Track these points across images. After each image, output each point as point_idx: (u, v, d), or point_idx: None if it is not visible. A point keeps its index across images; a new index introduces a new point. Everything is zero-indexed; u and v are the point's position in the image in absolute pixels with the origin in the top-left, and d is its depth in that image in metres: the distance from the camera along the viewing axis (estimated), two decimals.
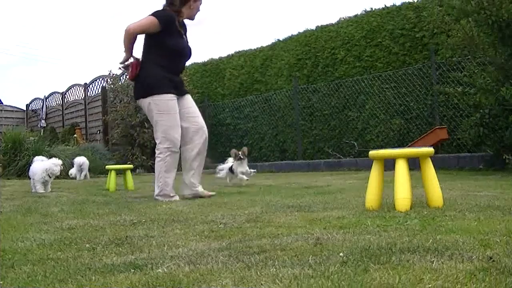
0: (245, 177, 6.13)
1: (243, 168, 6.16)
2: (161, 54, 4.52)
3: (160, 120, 4.49)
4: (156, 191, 4.47)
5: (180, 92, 4.65)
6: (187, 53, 4.74)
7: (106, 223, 2.91)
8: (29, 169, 6.15)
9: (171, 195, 4.46)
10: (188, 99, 4.75)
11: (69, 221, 3.06)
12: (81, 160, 9.03)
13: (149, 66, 4.53)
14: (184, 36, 4.66)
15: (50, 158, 6.37)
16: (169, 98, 4.51)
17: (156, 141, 4.56)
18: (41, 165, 5.75)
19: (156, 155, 4.56)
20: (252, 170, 6.32)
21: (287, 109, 11.45)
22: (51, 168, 5.69)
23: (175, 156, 4.53)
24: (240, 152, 6.16)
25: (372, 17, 9.93)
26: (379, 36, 9.71)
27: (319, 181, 6.22)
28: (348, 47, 10.29)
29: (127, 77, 5.07)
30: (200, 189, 4.60)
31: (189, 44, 4.76)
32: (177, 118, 4.52)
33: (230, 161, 6.43)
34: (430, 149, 3.10)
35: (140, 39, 4.60)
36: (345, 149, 10.26)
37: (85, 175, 9.08)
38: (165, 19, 4.47)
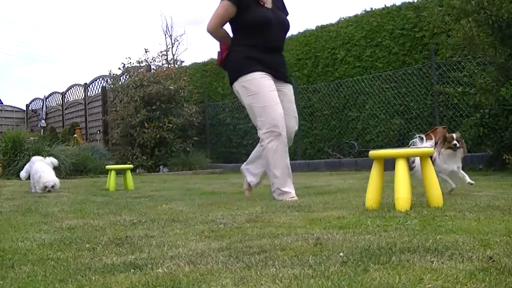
0: (453, 184, 3.76)
1: (454, 163, 3.71)
2: (243, 33, 4.08)
3: (253, 103, 3.94)
4: (272, 188, 4.00)
5: (275, 74, 4.05)
6: (275, 22, 4.06)
7: (106, 223, 2.91)
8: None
9: (286, 190, 3.92)
10: (287, 92, 4.16)
11: (69, 221, 3.06)
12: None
13: (232, 50, 4.12)
14: (266, 5, 4.07)
15: (49, 157, 6.37)
16: (259, 76, 3.94)
17: (257, 129, 3.99)
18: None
19: (259, 144, 4.02)
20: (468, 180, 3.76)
21: None
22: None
23: (280, 140, 3.88)
24: (455, 136, 3.70)
25: (372, 17, 9.93)
26: (379, 36, 9.71)
27: (319, 181, 6.22)
28: (348, 47, 10.29)
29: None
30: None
31: (281, 12, 4.17)
32: (273, 96, 3.93)
33: (418, 144, 3.98)
34: (430, 149, 3.10)
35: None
36: (345, 149, 10.26)
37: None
38: None
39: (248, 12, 4.03)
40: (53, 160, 6.11)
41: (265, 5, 4.09)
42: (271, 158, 3.93)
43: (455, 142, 3.65)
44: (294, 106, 4.23)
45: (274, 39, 4.10)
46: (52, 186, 5.62)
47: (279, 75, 4.11)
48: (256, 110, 3.96)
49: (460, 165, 3.73)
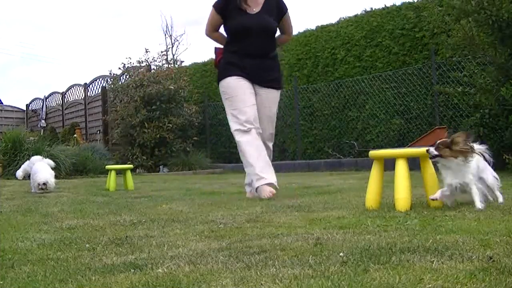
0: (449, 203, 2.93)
1: (450, 178, 2.86)
2: (229, 39, 4.31)
3: (227, 105, 4.20)
4: (252, 177, 4.07)
5: (254, 78, 4.19)
6: (256, 29, 4.16)
7: (106, 223, 2.91)
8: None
9: (263, 175, 3.96)
10: (263, 96, 4.23)
11: (69, 221, 3.06)
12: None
13: (223, 56, 4.35)
14: (252, 10, 4.19)
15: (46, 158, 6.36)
16: (233, 80, 4.16)
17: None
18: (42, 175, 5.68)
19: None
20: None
21: (287, 109, 11.45)
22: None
23: (251, 134, 4.04)
24: (437, 142, 2.90)
25: (372, 17, 9.94)
26: (379, 36, 9.71)
27: (319, 181, 6.21)
28: (348, 47, 10.29)
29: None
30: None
31: (269, 16, 4.21)
32: (245, 98, 4.11)
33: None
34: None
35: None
36: (345, 149, 10.26)
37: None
38: (217, 5, 4.26)
39: (230, 20, 4.23)
40: (49, 162, 6.07)
41: (250, 11, 4.19)
42: (243, 149, 4.06)
43: (428, 148, 2.94)
44: (272, 110, 4.31)
45: (254, 46, 4.19)
46: (44, 184, 5.53)
47: (259, 80, 4.22)
48: (228, 111, 4.19)
49: (462, 181, 2.82)
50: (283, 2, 4.37)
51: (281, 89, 4.46)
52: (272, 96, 4.31)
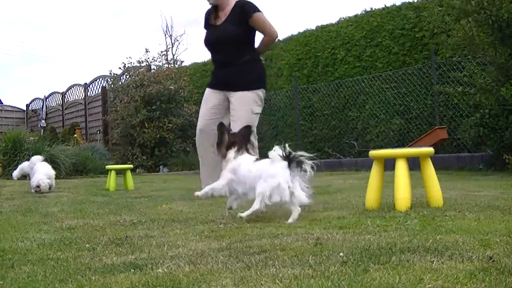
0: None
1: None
2: None
3: None
4: None
5: (225, 86, 4.40)
6: (218, 39, 4.37)
7: (106, 223, 2.91)
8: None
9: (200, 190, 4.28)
10: (231, 100, 4.36)
11: (69, 221, 3.06)
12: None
13: None
14: (220, 21, 4.38)
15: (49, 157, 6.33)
16: (206, 91, 4.57)
17: None
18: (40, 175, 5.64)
19: None
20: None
21: (287, 109, 11.45)
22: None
23: (197, 146, 4.57)
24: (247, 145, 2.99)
25: (372, 17, 9.93)
26: (379, 36, 9.71)
27: (319, 181, 6.21)
28: (348, 47, 10.29)
29: None
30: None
31: (230, 25, 4.30)
32: (202, 110, 4.52)
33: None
34: (430, 149, 3.10)
35: None
36: (345, 149, 10.26)
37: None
38: (204, 23, 4.60)
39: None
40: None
41: (218, 23, 4.41)
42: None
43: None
44: (241, 112, 4.31)
45: (220, 55, 4.45)
46: (38, 186, 5.46)
47: (229, 87, 4.39)
48: None
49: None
50: (249, 5, 4.36)
51: (257, 89, 4.39)
52: (245, 98, 4.33)
